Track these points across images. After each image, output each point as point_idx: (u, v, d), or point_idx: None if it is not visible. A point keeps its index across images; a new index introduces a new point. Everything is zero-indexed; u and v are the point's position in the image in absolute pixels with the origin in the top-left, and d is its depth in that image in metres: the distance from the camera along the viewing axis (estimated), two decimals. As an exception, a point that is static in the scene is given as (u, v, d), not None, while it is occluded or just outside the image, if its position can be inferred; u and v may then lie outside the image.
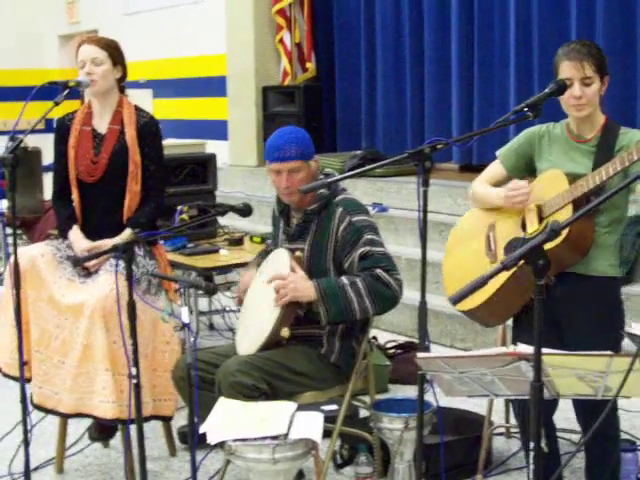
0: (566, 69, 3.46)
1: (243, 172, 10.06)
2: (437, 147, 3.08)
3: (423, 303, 3.17)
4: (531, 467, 2.40)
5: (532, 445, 2.38)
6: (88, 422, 4.58)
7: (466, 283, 3.59)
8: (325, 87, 10.06)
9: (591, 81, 3.45)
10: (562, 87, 3.39)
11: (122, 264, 3.56)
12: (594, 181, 3.32)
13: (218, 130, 10.67)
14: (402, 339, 6.17)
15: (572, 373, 2.66)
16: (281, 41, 9.97)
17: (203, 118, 11.26)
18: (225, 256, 5.35)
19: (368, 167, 3.42)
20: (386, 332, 6.34)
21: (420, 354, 2.88)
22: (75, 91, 4.23)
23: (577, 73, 3.43)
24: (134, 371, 3.31)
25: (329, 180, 3.60)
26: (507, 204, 3.63)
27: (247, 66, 10.23)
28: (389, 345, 5.93)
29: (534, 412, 2.38)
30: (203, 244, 5.64)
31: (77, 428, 4.62)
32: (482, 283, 2.28)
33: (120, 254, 3.34)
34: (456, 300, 2.33)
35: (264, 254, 4.27)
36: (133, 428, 4.19)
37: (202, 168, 6.08)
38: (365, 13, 9.61)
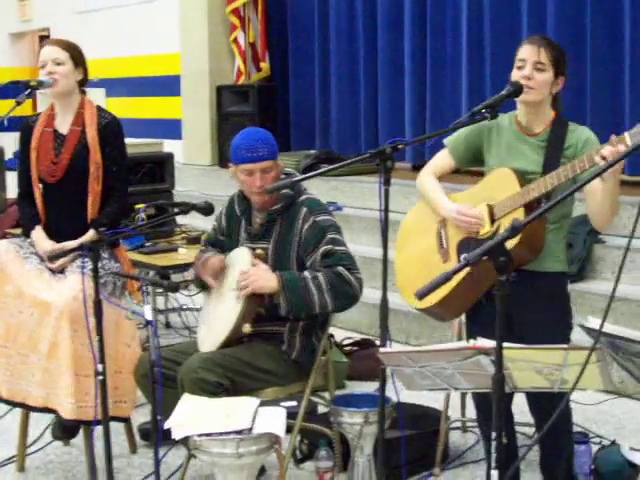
0: (524, 51, 3.55)
1: (197, 171, 10.09)
2: (398, 147, 3.15)
3: (384, 300, 3.24)
4: (493, 456, 2.47)
5: (494, 435, 2.45)
6: (47, 421, 4.62)
7: (418, 280, 3.71)
8: (279, 87, 10.12)
9: (543, 67, 3.51)
10: (518, 89, 3.47)
11: (89, 265, 3.61)
12: (545, 187, 3.38)
13: (171, 129, 10.68)
14: (358, 336, 6.25)
15: (530, 366, 2.74)
16: (235, 41, 10.02)
17: (156, 117, 11.27)
18: (183, 254, 5.38)
19: (333, 166, 3.50)
20: (342, 330, 6.40)
21: (382, 349, 2.95)
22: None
23: (532, 56, 3.51)
24: (100, 368, 3.34)
25: (296, 179, 3.65)
26: (454, 222, 3.68)
27: (201, 65, 10.25)
28: (346, 342, 6.01)
29: (496, 404, 2.46)
30: (161, 243, 5.67)
31: (37, 427, 4.64)
32: (446, 279, 2.35)
33: (86, 253, 3.38)
34: (421, 296, 2.40)
35: (204, 250, 4.31)
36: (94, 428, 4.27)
37: (159, 167, 6.12)
38: (319, 14, 9.68)
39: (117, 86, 11.34)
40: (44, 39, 13.92)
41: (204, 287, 4.25)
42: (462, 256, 3.63)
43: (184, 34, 10.50)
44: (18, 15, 14.10)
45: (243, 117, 9.58)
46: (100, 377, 3.39)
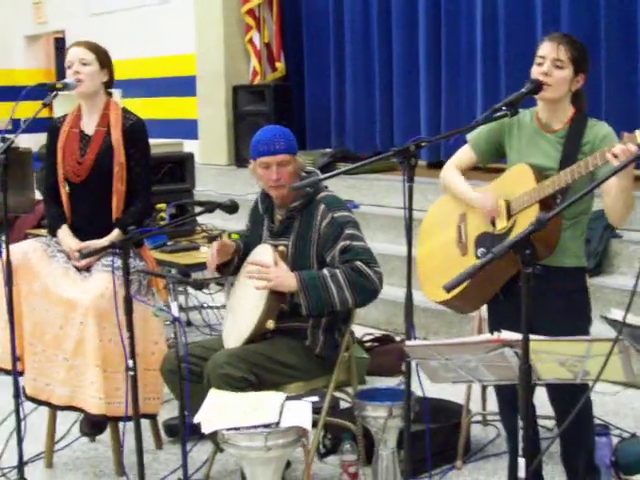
0: (543, 48, 3.59)
1: (214, 171, 10.15)
2: (421, 145, 3.20)
3: (409, 294, 3.28)
4: (520, 446, 2.53)
5: (520, 425, 2.51)
6: (74, 418, 4.69)
7: (437, 273, 3.78)
8: (294, 86, 10.18)
9: (562, 65, 3.55)
10: (538, 86, 3.52)
11: (115, 263, 3.69)
12: (559, 183, 3.43)
13: (188, 129, 10.75)
14: (377, 333, 6.31)
15: (553, 358, 2.79)
16: (250, 41, 10.09)
17: (172, 117, 11.34)
18: (205, 253, 5.45)
19: (357, 164, 3.56)
20: (360, 326, 6.46)
21: (408, 342, 3.01)
22: (41, 95, 4.31)
23: (551, 53, 3.55)
24: (131, 363, 3.41)
25: (321, 177, 3.73)
26: (479, 207, 3.75)
27: (217, 66, 10.32)
28: (366, 338, 6.07)
29: (522, 394, 2.51)
30: (182, 242, 5.74)
31: (64, 424, 4.70)
32: (474, 272, 2.41)
33: (117, 251, 3.45)
34: (449, 289, 2.46)
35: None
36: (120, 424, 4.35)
37: (180, 167, 6.19)
38: (334, 13, 9.74)
39: (133, 87, 11.40)
40: (59, 41, 14.03)
41: (222, 272, 4.32)
42: (479, 250, 3.69)
43: (199, 35, 10.57)
44: (33, 17, 14.18)
45: (259, 117, 9.64)
46: (131, 372, 3.44)
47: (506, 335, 2.77)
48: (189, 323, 6.91)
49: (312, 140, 10.04)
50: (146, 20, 11.65)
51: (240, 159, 9.89)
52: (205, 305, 6.71)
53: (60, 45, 13.99)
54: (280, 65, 10.14)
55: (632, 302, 2.51)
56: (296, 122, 9.98)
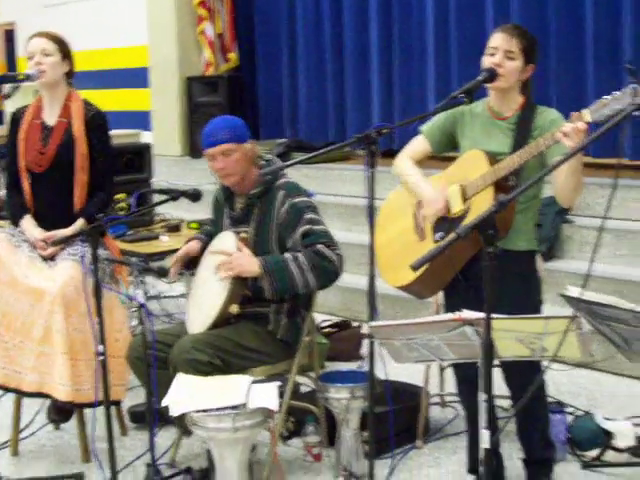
0: (495, 39, 3.70)
1: (167, 161, 10.17)
2: (382, 132, 3.30)
3: (372, 277, 3.38)
4: (483, 416, 2.63)
5: (483, 398, 2.61)
6: (38, 406, 4.74)
7: (396, 260, 3.88)
8: (247, 77, 10.23)
9: (514, 56, 3.66)
10: (493, 74, 3.64)
11: (79, 252, 3.77)
12: (512, 164, 3.54)
13: (141, 121, 10.76)
14: (334, 319, 6.41)
15: (512, 336, 2.90)
16: (203, 32, 10.11)
17: (126, 109, 11.33)
18: (166, 242, 5.52)
19: (322, 151, 3.65)
20: (317, 313, 6.53)
21: (372, 322, 3.10)
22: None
23: (504, 44, 3.66)
24: (101, 348, 3.47)
25: (285, 164, 3.83)
26: (433, 202, 3.83)
27: (170, 57, 10.33)
28: (324, 324, 6.16)
29: (485, 366, 2.61)
30: (142, 231, 5.79)
31: (28, 413, 4.74)
32: (440, 251, 2.51)
33: (86, 238, 3.51)
34: (415, 267, 2.55)
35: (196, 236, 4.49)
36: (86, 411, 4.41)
37: (138, 158, 6.24)
38: (286, 4, 9.79)
39: (86, 79, 11.33)
40: (9, 33, 13.92)
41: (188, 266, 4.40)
42: (437, 234, 3.80)
43: (152, 26, 10.57)
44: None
45: (213, 107, 9.66)
46: (101, 357, 3.50)
47: (467, 314, 2.88)
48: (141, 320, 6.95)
49: (266, 130, 10.10)
50: (98, 12, 11.62)
51: (194, 150, 9.93)
52: (163, 295, 6.76)
53: (10, 37, 13.89)
54: (233, 56, 10.17)
55: (587, 281, 2.63)
56: (249, 112, 10.03)
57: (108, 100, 11.35)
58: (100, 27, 11.54)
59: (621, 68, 6.48)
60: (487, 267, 2.53)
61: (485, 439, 2.60)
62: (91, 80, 11.43)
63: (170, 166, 9.99)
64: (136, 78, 11.10)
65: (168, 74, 10.39)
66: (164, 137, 10.48)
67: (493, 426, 3.84)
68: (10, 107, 4.85)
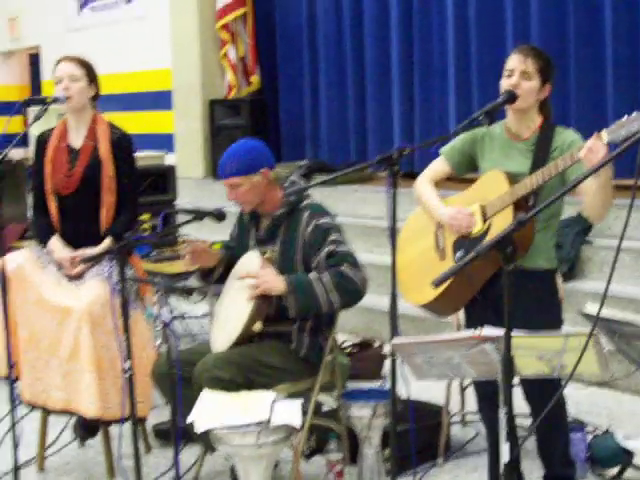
0: (511, 60, 3.77)
1: (190, 183, 10.27)
2: (404, 152, 3.36)
3: (394, 295, 3.42)
4: (503, 430, 2.67)
5: (504, 411, 2.66)
6: (63, 424, 4.81)
7: (417, 279, 3.94)
8: (269, 100, 10.34)
9: (530, 77, 3.73)
10: (512, 96, 3.70)
11: (107, 271, 3.86)
12: (531, 185, 3.61)
13: (164, 143, 10.86)
14: (356, 339, 6.45)
15: (531, 353, 2.94)
16: (225, 55, 10.23)
17: (149, 131, 11.44)
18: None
19: (341, 172, 3.72)
20: (339, 333, 6.59)
21: (395, 340, 3.15)
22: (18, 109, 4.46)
23: (520, 65, 3.74)
24: (128, 364, 3.54)
25: (310, 185, 3.90)
26: (447, 225, 3.90)
27: (193, 80, 10.46)
28: (346, 344, 6.21)
29: (504, 381, 2.66)
30: (166, 252, 5.87)
31: (53, 430, 4.81)
32: (460, 268, 2.57)
33: (114, 256, 3.59)
34: (437, 284, 2.61)
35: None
36: (111, 428, 4.48)
37: (162, 179, 6.34)
38: (307, 27, 9.92)
39: (109, 102, 11.47)
40: (34, 57, 14.09)
41: (205, 278, 4.47)
42: (457, 253, 3.86)
43: (175, 50, 10.70)
44: (8, 33, 14.23)
45: (235, 130, 9.78)
46: (127, 374, 3.57)
47: (486, 331, 2.92)
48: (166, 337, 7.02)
49: (288, 152, 10.20)
50: (122, 36, 11.75)
51: (216, 172, 10.02)
52: (187, 315, 6.83)
53: (35, 61, 14.06)
54: (255, 79, 10.29)
55: (605, 297, 2.67)
56: (272, 134, 10.14)
57: (132, 123, 11.45)
58: (124, 51, 11.67)
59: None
60: (506, 285, 2.58)
61: (505, 453, 2.64)
62: (115, 103, 11.56)
63: (193, 188, 10.09)
64: (160, 101, 11.22)
65: (191, 97, 10.51)
66: (187, 159, 10.59)
67: (513, 440, 3.92)
68: (35, 130, 4.94)
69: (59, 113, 4.59)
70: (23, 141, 6.23)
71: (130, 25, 11.69)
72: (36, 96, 4.46)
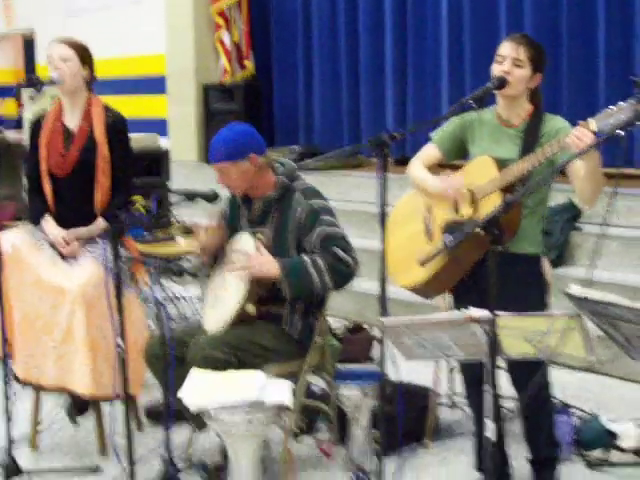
0: (504, 47, 3.84)
1: (183, 167, 10.30)
2: (395, 136, 3.41)
3: (383, 279, 3.47)
4: (488, 408, 2.73)
5: (489, 389, 2.72)
6: (55, 402, 4.86)
7: (406, 261, 4.00)
8: (263, 85, 10.38)
9: (521, 64, 3.79)
10: (502, 82, 3.75)
11: (100, 251, 3.92)
12: (520, 171, 3.67)
13: (158, 127, 10.88)
14: (346, 323, 6.50)
15: (518, 333, 3.00)
16: (220, 40, 10.27)
17: (143, 115, 11.47)
18: (183, 243, 5.64)
19: (333, 152, 3.78)
20: (330, 317, 6.64)
21: (386, 320, 3.20)
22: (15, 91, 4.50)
23: (512, 52, 3.80)
24: (120, 342, 3.58)
25: (301, 164, 3.99)
26: (440, 193, 3.95)
27: (187, 65, 10.50)
28: (337, 327, 6.26)
29: (490, 359, 2.72)
30: (159, 233, 5.91)
31: (45, 408, 4.85)
32: (447, 248, 2.63)
33: (108, 235, 3.64)
34: (423, 262, 2.66)
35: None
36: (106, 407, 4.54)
37: (156, 162, 6.38)
38: (302, 13, 9.96)
39: (103, 86, 11.49)
40: (28, 41, 14.10)
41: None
42: (445, 235, 3.91)
43: (170, 34, 10.73)
44: (3, 17, 14.23)
45: (229, 115, 9.82)
46: (120, 350, 3.61)
47: (474, 312, 2.98)
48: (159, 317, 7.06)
49: (281, 137, 10.25)
50: (117, 20, 11.77)
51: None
52: (179, 296, 6.87)
53: (29, 45, 14.06)
54: (249, 64, 10.33)
55: (590, 280, 2.73)
56: (265, 120, 10.20)
57: (126, 107, 11.41)
58: (119, 35, 11.69)
59: (635, 74, 6.59)
60: (492, 265, 2.64)
61: (490, 428, 2.70)
62: (109, 87, 11.56)
63: (186, 172, 10.11)
64: (154, 85, 11.24)
65: (185, 82, 10.54)
66: (181, 143, 10.62)
67: (498, 420, 3.99)
68: (29, 112, 4.97)
69: (51, 95, 4.61)
70: (17, 123, 6.27)
71: (125, 10, 11.71)
72: (32, 77, 4.43)
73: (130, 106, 11.49)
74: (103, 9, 12.06)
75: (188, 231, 5.92)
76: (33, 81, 4.41)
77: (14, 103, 4.59)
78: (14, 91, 4.48)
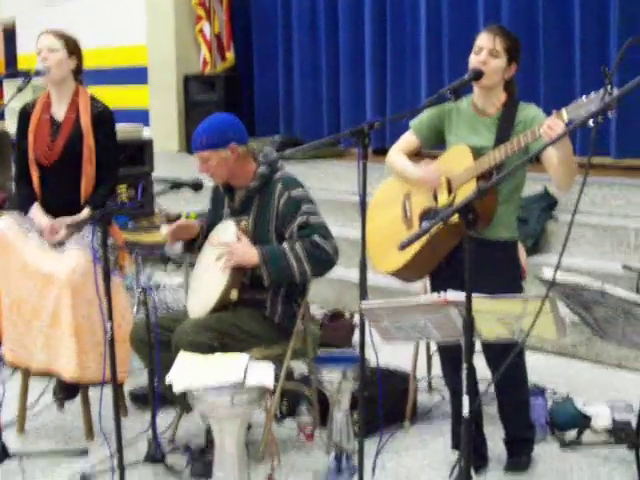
0: (481, 38, 3.96)
1: (165, 157, 10.38)
2: (374, 125, 3.52)
3: (363, 263, 3.58)
4: (464, 383, 2.85)
5: (465, 366, 2.83)
6: (42, 387, 4.95)
7: (385, 247, 4.12)
8: (244, 76, 10.48)
9: (497, 55, 3.91)
10: (478, 74, 3.87)
11: (88, 239, 4.03)
12: (495, 159, 3.80)
13: (139, 117, 10.95)
14: (327, 310, 6.62)
15: (493, 317, 3.11)
16: (201, 31, 10.37)
17: (125, 106, 11.53)
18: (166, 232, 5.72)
19: (314, 142, 3.88)
20: (311, 303, 6.76)
21: (364, 303, 3.32)
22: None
23: (488, 43, 3.92)
24: (109, 327, 3.68)
25: (282, 154, 4.11)
26: (421, 179, 4.08)
27: (168, 55, 10.58)
28: (317, 314, 6.37)
29: (465, 338, 2.83)
30: (143, 222, 6.01)
31: (32, 394, 4.94)
32: (425, 232, 2.75)
33: (96, 223, 3.74)
34: (403, 246, 2.77)
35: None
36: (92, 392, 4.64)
37: (140, 152, 6.48)
38: (282, 4, 10.07)
39: (86, 76, 11.56)
40: (8, 31, 14.13)
41: (190, 248, 4.61)
42: (423, 223, 4.03)
43: (151, 25, 10.81)
44: (-18, 7, 14.27)
45: (210, 105, 9.93)
46: (109, 334, 3.71)
47: (450, 295, 3.09)
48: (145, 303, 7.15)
49: (261, 127, 10.35)
50: (98, 10, 11.82)
51: (191, 146, 10.16)
52: (162, 285, 6.96)
53: (9, 35, 14.08)
54: (230, 55, 10.43)
55: (559, 264, 2.85)
56: (246, 110, 10.29)
57: (107, 97, 11.40)
58: (100, 26, 11.73)
59: (607, 66, 6.72)
60: (467, 248, 2.75)
61: (465, 405, 2.82)
62: (91, 78, 11.56)
63: (167, 162, 10.18)
64: (135, 76, 11.32)
65: (166, 72, 10.63)
66: (162, 133, 10.70)
67: (473, 394, 4.12)
68: (15, 103, 5.04)
69: (33, 86, 4.67)
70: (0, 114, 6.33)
71: (106, 0, 11.75)
72: (19, 69, 4.53)
73: (112, 96, 11.56)
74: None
75: (171, 220, 6.03)
76: (21, 72, 4.49)
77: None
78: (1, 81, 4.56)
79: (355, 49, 9.25)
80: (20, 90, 4.35)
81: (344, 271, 6.20)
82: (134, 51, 11.30)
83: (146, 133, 7.71)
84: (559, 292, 3.05)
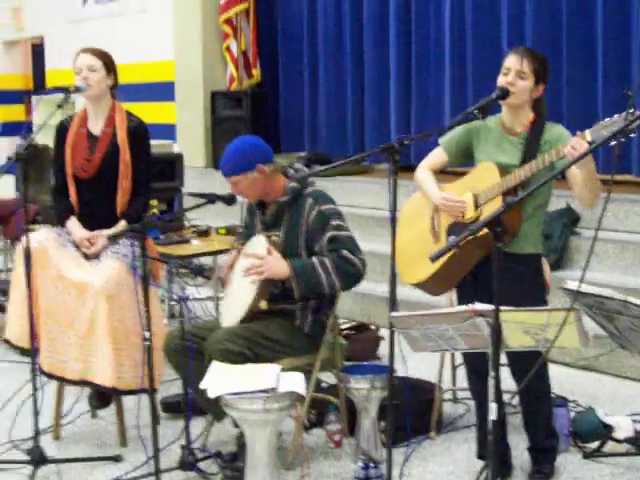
0: (509, 60, 4.08)
1: (192, 173, 10.52)
2: (404, 142, 3.65)
3: (393, 274, 3.70)
4: (491, 391, 2.96)
5: (492, 374, 2.95)
6: (75, 395, 5.09)
7: (413, 259, 4.25)
8: (270, 92, 10.61)
9: (525, 76, 4.03)
10: (505, 92, 4.00)
11: (123, 250, 4.19)
12: (520, 177, 3.94)
13: (166, 133, 11.11)
14: (353, 323, 6.73)
15: (518, 327, 3.22)
16: (228, 49, 10.50)
17: (152, 122, 11.68)
18: (197, 245, 5.88)
19: (345, 160, 4.01)
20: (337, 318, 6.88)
21: (394, 313, 3.43)
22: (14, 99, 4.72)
23: (516, 65, 4.04)
24: (147, 334, 3.81)
25: (313, 171, 4.25)
26: (440, 207, 4.21)
27: (195, 72, 10.72)
28: (343, 326, 6.48)
29: (493, 347, 2.95)
30: (173, 236, 6.14)
31: (67, 402, 5.06)
32: (456, 244, 2.86)
33: (135, 234, 3.88)
34: (434, 258, 2.90)
35: (239, 236, 4.86)
36: (125, 399, 4.77)
37: (170, 167, 6.62)
38: (308, 23, 10.18)
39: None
40: (37, 47, 14.33)
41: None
42: (450, 237, 4.16)
43: (178, 42, 10.96)
44: (12, 23, 14.46)
45: (236, 121, 10.09)
46: (147, 342, 3.84)
47: (478, 306, 3.21)
48: (172, 316, 7.28)
49: (287, 144, 10.48)
50: (126, 28, 11.98)
51: (217, 162, 10.30)
52: (192, 297, 7.08)
53: (38, 51, 14.30)
54: (256, 72, 10.57)
55: (584, 276, 2.96)
56: (271, 127, 10.42)
57: (135, 113, 11.73)
58: (128, 42, 11.88)
59: (629, 87, 6.82)
60: (495, 260, 2.87)
61: (493, 410, 2.93)
62: (119, 93, 11.80)
63: (194, 177, 10.32)
64: (162, 92, 11.46)
65: (193, 89, 10.77)
66: (189, 149, 10.81)
67: (500, 401, 4.22)
68: (37, 119, 5.20)
69: (57, 104, 4.79)
70: (28, 129, 6.47)
71: (133, 17, 11.92)
72: (60, 85, 4.67)
73: (139, 112, 11.72)
74: (112, 16, 12.26)
75: (201, 234, 6.18)
76: (61, 88, 4.64)
77: (21, 109, 4.82)
78: (38, 95, 4.70)
79: (380, 66, 9.36)
80: (60, 107, 4.50)
81: (370, 285, 6.33)
82: (162, 67, 11.46)
83: (176, 148, 7.87)
84: (582, 302, 3.15)
